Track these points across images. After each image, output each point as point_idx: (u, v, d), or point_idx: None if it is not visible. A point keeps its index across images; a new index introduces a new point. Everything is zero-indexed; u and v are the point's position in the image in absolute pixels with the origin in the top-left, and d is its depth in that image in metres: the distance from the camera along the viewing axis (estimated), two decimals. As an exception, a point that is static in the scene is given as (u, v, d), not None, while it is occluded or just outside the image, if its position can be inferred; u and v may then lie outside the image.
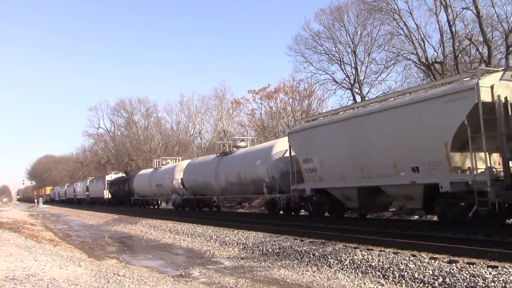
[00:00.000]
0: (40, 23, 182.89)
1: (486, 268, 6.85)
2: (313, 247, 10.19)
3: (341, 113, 14.96)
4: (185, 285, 8.02)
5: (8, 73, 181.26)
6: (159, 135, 64.84)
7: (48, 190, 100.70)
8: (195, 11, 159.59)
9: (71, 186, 73.17)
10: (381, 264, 8.13)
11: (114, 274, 8.63)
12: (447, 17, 23.23)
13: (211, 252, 12.25)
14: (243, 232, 13.95)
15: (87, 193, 58.68)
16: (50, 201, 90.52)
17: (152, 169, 35.89)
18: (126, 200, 41.73)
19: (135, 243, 16.23)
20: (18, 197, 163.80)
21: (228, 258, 11.15)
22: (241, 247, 12.16)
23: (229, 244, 12.76)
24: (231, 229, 14.92)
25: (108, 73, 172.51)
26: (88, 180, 60.61)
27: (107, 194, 47.73)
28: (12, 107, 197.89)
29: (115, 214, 30.21)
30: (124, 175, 46.34)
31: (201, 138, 54.92)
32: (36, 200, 75.36)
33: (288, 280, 8.26)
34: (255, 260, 10.48)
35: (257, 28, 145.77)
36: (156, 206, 38.39)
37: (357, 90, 30.90)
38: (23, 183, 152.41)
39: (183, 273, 9.37)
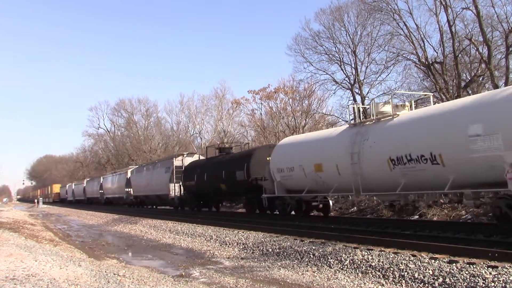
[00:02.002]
0: (40, 23, 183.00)
1: (486, 268, 6.85)
2: (313, 247, 10.19)
3: None
4: (185, 285, 8.02)
5: (8, 73, 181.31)
6: (159, 135, 64.86)
7: (56, 188, 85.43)
8: (195, 11, 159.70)
9: (94, 182, 57.07)
10: (381, 264, 8.13)
11: (114, 274, 8.63)
12: (447, 17, 23.23)
13: (211, 252, 12.25)
14: (243, 232, 13.94)
15: (127, 189, 41.00)
16: (60, 201, 77.62)
17: (352, 125, 14.66)
18: (246, 202, 22.04)
19: (135, 243, 16.23)
20: (19, 197, 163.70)
21: (228, 258, 11.15)
22: (241, 247, 12.16)
23: (229, 244, 12.76)
24: (231, 229, 14.92)
25: (108, 73, 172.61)
26: (129, 171, 41.81)
27: (175, 191, 29.47)
28: (12, 107, 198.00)
29: (115, 214, 30.21)
30: (218, 152, 26.14)
31: (201, 138, 54.92)
32: (36, 200, 74.67)
33: (288, 280, 8.26)
34: (255, 260, 10.48)
35: (257, 28, 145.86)
36: (322, 213, 18.00)
37: (357, 90, 30.92)
38: (23, 183, 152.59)
39: (183, 273, 9.37)
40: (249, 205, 21.64)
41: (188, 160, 29.49)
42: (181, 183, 28.14)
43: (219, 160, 24.54)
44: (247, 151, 24.17)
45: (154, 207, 37.93)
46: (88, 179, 63.49)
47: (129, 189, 40.24)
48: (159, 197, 32.64)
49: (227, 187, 22.54)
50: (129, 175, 40.75)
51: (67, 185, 76.55)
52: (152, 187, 33.19)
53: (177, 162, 29.54)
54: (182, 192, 28.39)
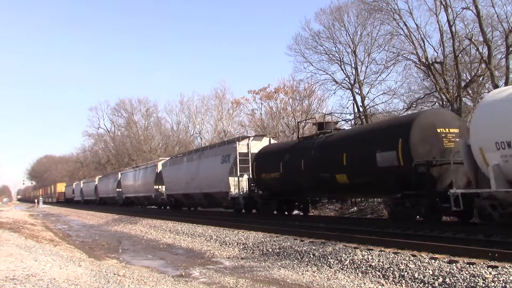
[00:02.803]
0: (41, 23, 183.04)
1: (486, 268, 6.86)
2: (313, 247, 10.19)
3: None
4: (185, 285, 8.02)
5: (8, 73, 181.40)
6: (159, 135, 64.97)
7: (61, 187, 79.50)
8: (195, 11, 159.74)
9: (109, 179, 48.54)
10: (381, 264, 8.13)
11: (114, 274, 8.63)
12: (447, 17, 23.20)
13: (211, 252, 12.25)
14: (243, 232, 13.95)
15: (156, 187, 33.02)
16: (65, 201, 71.53)
17: None
18: (397, 204, 13.11)
19: (135, 243, 16.23)
20: (19, 197, 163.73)
21: (228, 258, 11.15)
22: (241, 247, 12.16)
23: (229, 244, 12.76)
24: (231, 229, 14.92)
25: (108, 73, 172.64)
26: (159, 163, 33.04)
27: (238, 187, 21.61)
28: (12, 107, 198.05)
29: (115, 214, 30.19)
30: (317, 129, 18.23)
31: (201, 138, 54.98)
32: (36, 200, 74.51)
33: (288, 280, 8.26)
34: (255, 260, 10.48)
35: (257, 28, 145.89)
36: None
37: (357, 90, 30.91)
38: (23, 183, 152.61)
39: (183, 273, 9.37)
40: (403, 208, 12.86)
41: (256, 145, 21.94)
42: (249, 177, 20.99)
43: (332, 138, 15.82)
44: (400, 118, 16.13)
45: (193, 209, 30.29)
46: (100, 176, 55.34)
47: (160, 187, 32.29)
48: (209, 196, 24.46)
49: (351, 179, 14.27)
50: (159, 168, 32.39)
51: (74, 184, 69.44)
52: (197, 183, 25.01)
53: (241, 147, 21.98)
54: (249, 188, 20.87)
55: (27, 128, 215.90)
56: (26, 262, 8.89)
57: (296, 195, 18.52)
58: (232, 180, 21.71)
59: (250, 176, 20.82)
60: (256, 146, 21.85)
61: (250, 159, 21.28)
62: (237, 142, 22.44)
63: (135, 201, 39.94)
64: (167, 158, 33.87)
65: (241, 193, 21.44)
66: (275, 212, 19.32)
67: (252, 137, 23.21)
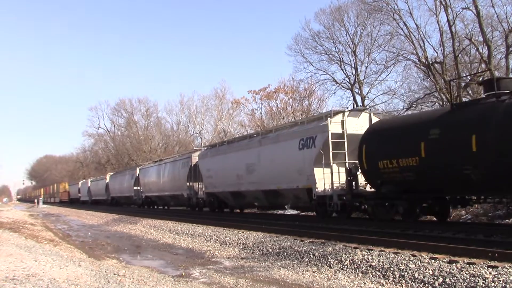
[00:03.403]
0: (41, 24, 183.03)
1: (486, 268, 6.85)
2: (313, 247, 10.19)
3: None
4: (185, 285, 8.02)
5: (8, 73, 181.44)
6: (159, 135, 65.00)
7: (64, 186, 76.38)
8: (195, 11, 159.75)
9: (124, 176, 41.75)
10: (381, 264, 8.13)
11: (114, 274, 8.63)
12: (447, 17, 23.23)
13: (211, 252, 12.25)
14: (243, 232, 13.95)
15: (189, 184, 26.59)
16: (70, 202, 68.73)
17: None
18: None
19: (135, 243, 16.23)
20: (19, 197, 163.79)
21: (228, 258, 11.15)
22: (241, 247, 12.17)
23: (229, 244, 12.77)
24: (231, 229, 14.92)
25: (108, 73, 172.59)
26: (195, 155, 26.44)
27: (331, 182, 15.26)
28: (12, 107, 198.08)
29: (115, 214, 30.20)
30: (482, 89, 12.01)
31: (201, 138, 55.02)
32: (36, 200, 74.43)
33: (288, 280, 8.26)
34: (255, 260, 10.48)
35: (257, 28, 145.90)
36: None
37: (357, 90, 30.96)
38: (23, 183, 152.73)
39: (183, 273, 9.37)
40: None
41: (353, 123, 15.89)
42: (346, 167, 15.28)
43: None
44: None
45: (239, 211, 24.72)
46: (112, 173, 49.22)
47: (194, 184, 26.11)
48: (273, 194, 18.55)
49: None
50: (194, 160, 25.79)
51: (80, 182, 64.96)
52: (256, 177, 19.16)
53: (333, 126, 15.55)
54: (349, 183, 14.78)
55: (27, 128, 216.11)
56: (26, 262, 8.89)
57: (449, 192, 12.16)
58: (320, 172, 15.52)
59: (348, 165, 15.37)
60: (354, 125, 15.87)
61: (346, 142, 15.59)
62: (329, 118, 15.72)
63: (158, 201, 34.31)
64: (203, 148, 27.15)
65: (335, 189, 15.27)
66: (397, 218, 13.46)
67: (348, 112, 16.26)
